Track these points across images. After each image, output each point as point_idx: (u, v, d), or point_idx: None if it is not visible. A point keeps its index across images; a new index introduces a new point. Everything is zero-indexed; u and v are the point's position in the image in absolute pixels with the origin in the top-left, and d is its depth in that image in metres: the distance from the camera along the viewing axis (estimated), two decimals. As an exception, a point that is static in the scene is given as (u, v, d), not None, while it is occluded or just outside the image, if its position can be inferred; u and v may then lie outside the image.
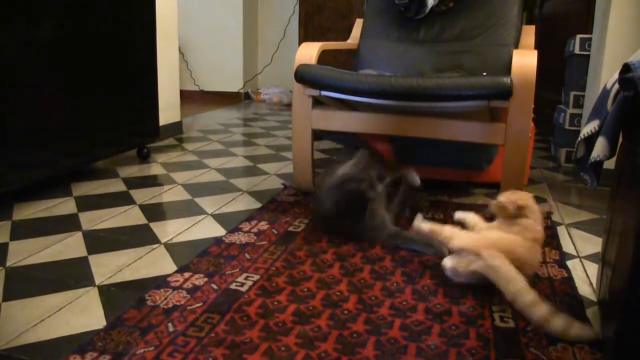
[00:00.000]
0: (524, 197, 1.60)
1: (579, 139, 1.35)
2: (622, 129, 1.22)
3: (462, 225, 1.70)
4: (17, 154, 2.04)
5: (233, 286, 1.49)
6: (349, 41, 2.78)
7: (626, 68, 1.07)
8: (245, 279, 1.54)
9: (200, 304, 1.40)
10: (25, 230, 1.89)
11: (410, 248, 1.79)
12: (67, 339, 1.25)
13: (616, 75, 1.18)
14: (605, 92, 1.29)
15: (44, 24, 2.10)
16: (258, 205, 2.22)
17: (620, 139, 1.26)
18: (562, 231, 2.03)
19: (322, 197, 1.83)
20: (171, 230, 1.94)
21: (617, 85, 1.18)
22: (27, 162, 2.10)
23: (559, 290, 1.52)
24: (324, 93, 2.15)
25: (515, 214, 1.57)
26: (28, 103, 2.08)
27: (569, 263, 1.73)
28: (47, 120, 2.20)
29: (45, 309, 1.37)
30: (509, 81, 1.87)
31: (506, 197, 1.60)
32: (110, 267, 1.62)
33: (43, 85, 2.15)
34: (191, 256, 1.70)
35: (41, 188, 2.32)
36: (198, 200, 2.28)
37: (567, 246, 1.89)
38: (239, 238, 1.85)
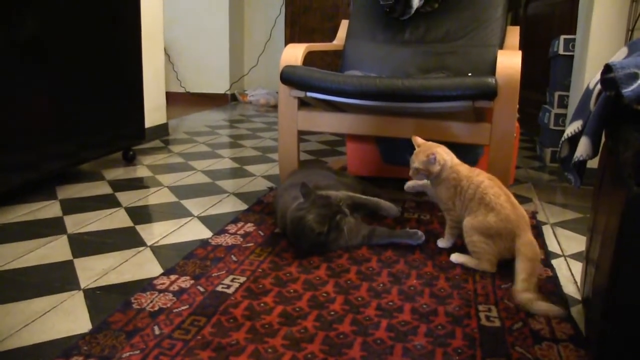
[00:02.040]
0: (429, 147, 1.77)
1: (563, 138, 1.36)
2: (604, 129, 1.23)
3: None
4: (0, 157, 2.02)
5: (219, 288, 1.49)
6: (334, 42, 2.79)
7: (608, 69, 1.08)
8: (232, 281, 1.54)
9: (187, 306, 1.39)
10: (10, 234, 1.88)
11: (387, 242, 1.82)
12: (52, 343, 1.24)
13: (598, 76, 1.19)
14: (588, 92, 1.30)
15: (27, 25, 2.08)
16: (244, 207, 2.22)
17: (603, 139, 1.28)
18: (547, 230, 2.05)
19: (302, 241, 1.75)
20: (157, 232, 1.93)
21: (599, 86, 1.19)
22: (11, 165, 2.08)
23: (544, 289, 1.53)
24: (309, 94, 2.15)
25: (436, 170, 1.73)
26: (11, 105, 2.06)
27: (554, 262, 1.75)
28: (31, 123, 2.18)
29: (30, 314, 1.36)
30: (494, 82, 1.88)
31: (418, 160, 1.74)
32: (96, 271, 1.61)
33: (27, 87, 2.13)
34: (177, 259, 1.69)
35: (26, 191, 2.30)
36: (184, 202, 2.27)
37: (552, 245, 1.91)
38: (225, 240, 1.84)
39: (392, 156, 2.59)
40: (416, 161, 1.74)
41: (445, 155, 1.75)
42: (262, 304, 1.41)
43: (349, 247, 1.79)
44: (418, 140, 1.82)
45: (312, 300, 1.44)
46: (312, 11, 5.11)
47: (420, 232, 1.80)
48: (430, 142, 1.80)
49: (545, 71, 3.47)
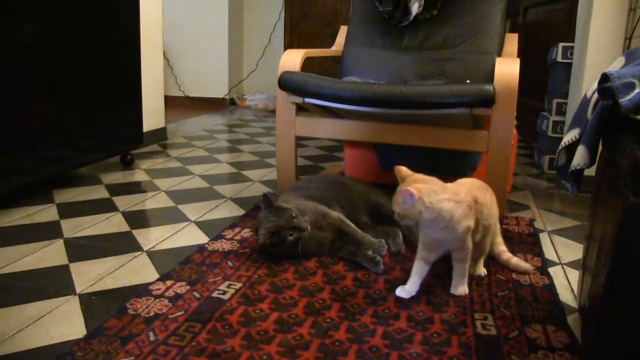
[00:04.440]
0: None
1: (560, 147, 1.36)
2: (601, 138, 1.23)
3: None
4: (-3, 161, 2.02)
5: (215, 294, 1.49)
6: (333, 48, 2.79)
7: (605, 78, 1.08)
8: (228, 287, 1.53)
9: (182, 312, 1.39)
10: (5, 237, 1.87)
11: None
12: (46, 349, 1.24)
13: (595, 85, 1.19)
14: (586, 101, 1.30)
15: (24, 29, 2.08)
16: (242, 212, 2.22)
17: (600, 148, 1.28)
18: (544, 238, 2.05)
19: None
20: (154, 237, 1.93)
21: (596, 95, 1.19)
22: (8, 168, 2.08)
23: (540, 297, 1.53)
24: (307, 100, 2.15)
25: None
26: (8, 108, 2.06)
27: (550, 270, 1.74)
28: (28, 126, 2.17)
29: (24, 319, 1.35)
30: (492, 89, 1.88)
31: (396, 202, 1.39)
32: (92, 275, 1.61)
33: (24, 90, 2.13)
34: (173, 264, 1.68)
35: (22, 195, 2.29)
36: (181, 207, 2.27)
37: (549, 253, 1.90)
38: (221, 245, 1.84)
39: (389, 162, 2.59)
40: (395, 203, 1.37)
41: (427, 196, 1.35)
42: (257, 311, 1.40)
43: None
44: (402, 171, 1.44)
45: (308, 307, 1.43)
46: (312, 17, 5.13)
47: (379, 260, 1.68)
48: (417, 176, 1.42)
49: (543, 78, 3.47)
